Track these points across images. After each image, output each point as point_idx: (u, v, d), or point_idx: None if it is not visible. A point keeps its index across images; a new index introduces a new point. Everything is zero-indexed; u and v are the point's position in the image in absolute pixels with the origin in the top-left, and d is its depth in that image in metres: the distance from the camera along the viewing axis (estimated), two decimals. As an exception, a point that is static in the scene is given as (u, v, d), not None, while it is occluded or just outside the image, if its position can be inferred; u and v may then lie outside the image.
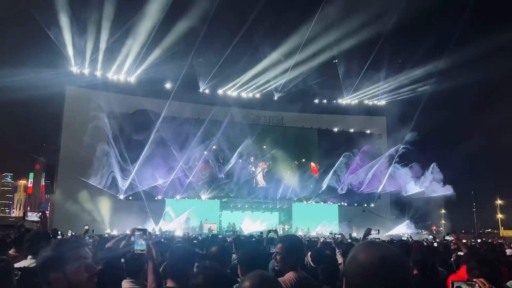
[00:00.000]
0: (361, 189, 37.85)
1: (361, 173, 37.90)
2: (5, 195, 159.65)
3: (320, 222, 35.69)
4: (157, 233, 26.43)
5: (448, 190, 34.53)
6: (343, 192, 37.64)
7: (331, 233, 15.06)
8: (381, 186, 37.32)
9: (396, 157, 37.56)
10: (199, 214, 33.04)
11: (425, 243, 9.28)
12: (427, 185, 35.32)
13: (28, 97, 26.96)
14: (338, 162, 37.75)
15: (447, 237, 11.00)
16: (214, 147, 35.46)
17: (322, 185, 37.72)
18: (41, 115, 29.88)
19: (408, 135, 35.46)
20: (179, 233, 27.65)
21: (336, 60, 35.32)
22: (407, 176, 36.45)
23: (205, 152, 34.69)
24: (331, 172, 37.52)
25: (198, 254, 4.04)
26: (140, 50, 31.20)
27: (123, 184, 31.38)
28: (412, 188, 35.94)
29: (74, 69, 31.18)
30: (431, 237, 21.16)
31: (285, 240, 3.92)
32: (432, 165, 35.45)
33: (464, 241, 9.03)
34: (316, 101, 38.60)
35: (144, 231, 3.34)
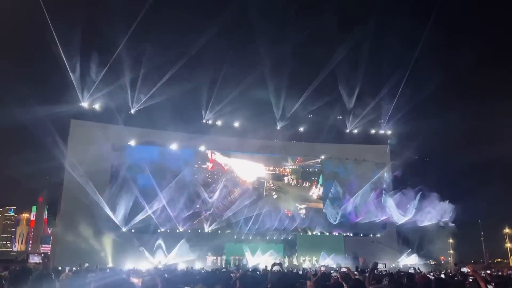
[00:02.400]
0: (358, 219, 37.54)
1: (360, 202, 37.72)
2: (7, 228, 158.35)
3: (326, 253, 35.17)
4: (160, 266, 26.05)
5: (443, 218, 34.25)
6: (336, 223, 37.30)
7: (337, 268, 14.82)
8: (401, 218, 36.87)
9: (395, 186, 37.55)
10: (202, 246, 32.64)
11: (432, 277, 9.05)
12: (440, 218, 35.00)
13: (32, 130, 27.21)
14: (339, 192, 37.66)
15: (463, 269, 10.80)
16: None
17: (326, 216, 37.47)
18: (45, 148, 29.93)
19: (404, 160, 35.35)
20: (181, 266, 27.31)
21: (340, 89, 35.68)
22: (404, 205, 36.15)
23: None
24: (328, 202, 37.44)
25: None
26: (143, 83, 31.74)
27: (125, 217, 31.14)
28: (425, 220, 35.59)
29: (79, 102, 31.50)
30: (416, 268, 20.63)
31: (273, 277, 3.95)
32: (418, 194, 35.34)
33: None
34: (319, 130, 38.64)
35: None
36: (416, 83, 34.18)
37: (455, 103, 31.07)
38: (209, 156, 36.64)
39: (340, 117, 37.90)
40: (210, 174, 36.24)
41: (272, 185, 37.97)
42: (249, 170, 37.50)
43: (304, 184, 38.90)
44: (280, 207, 36.93)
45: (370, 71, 34.92)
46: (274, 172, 38.41)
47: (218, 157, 36.89)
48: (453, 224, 34.62)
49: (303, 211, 37.84)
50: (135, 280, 3.20)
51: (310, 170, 39.35)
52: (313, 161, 39.40)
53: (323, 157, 39.35)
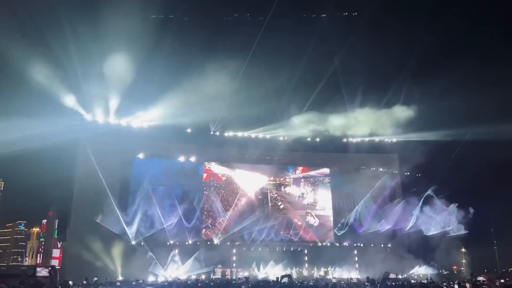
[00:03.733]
0: (362, 229, 37.18)
1: (365, 212, 37.50)
2: (18, 243, 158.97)
3: (336, 264, 34.89)
4: (169, 279, 26.01)
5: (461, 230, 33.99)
6: (342, 233, 37.07)
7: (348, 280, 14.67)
8: (408, 226, 36.41)
9: (404, 194, 37.32)
10: (212, 258, 32.51)
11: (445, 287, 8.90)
12: (450, 225, 34.63)
13: (42, 145, 27.43)
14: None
15: (479, 278, 10.68)
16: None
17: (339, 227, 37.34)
18: (54, 162, 30.17)
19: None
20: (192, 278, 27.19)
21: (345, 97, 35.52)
22: (429, 216, 35.73)
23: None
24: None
25: None
26: (151, 95, 31.95)
27: (135, 230, 31.19)
28: (434, 228, 35.17)
29: (87, 116, 31.76)
30: (429, 278, 20.32)
31: None
32: (427, 202, 35.00)
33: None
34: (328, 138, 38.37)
35: None
36: (423, 86, 33.60)
37: (466, 103, 30.18)
38: (203, 166, 36.35)
39: (345, 124, 37.44)
40: (206, 186, 35.96)
41: (276, 195, 37.76)
42: (250, 180, 37.29)
43: (308, 194, 38.59)
44: (287, 217, 36.82)
45: (375, 76, 34.66)
46: (275, 182, 38.18)
47: (214, 167, 36.67)
48: (465, 231, 34.14)
49: (309, 221, 37.56)
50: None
51: (315, 180, 39.12)
52: (317, 171, 39.19)
53: (328, 167, 39.20)
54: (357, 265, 35.81)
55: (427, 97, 33.27)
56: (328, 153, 38.45)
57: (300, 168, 38.97)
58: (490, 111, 30.79)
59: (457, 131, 33.52)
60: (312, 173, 39.12)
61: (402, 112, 35.58)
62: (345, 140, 38.30)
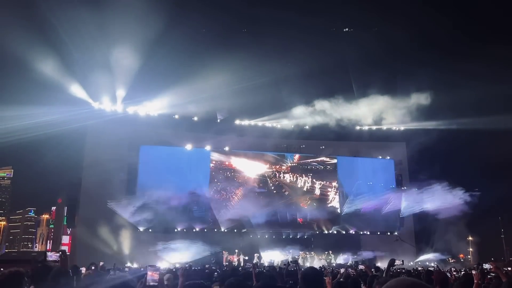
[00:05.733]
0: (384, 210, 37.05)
1: (380, 200, 37.37)
2: (28, 229, 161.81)
3: (342, 251, 34.99)
4: (176, 265, 26.28)
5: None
6: (347, 218, 36.93)
7: (352, 265, 14.70)
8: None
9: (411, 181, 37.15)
10: (218, 244, 32.77)
11: (449, 274, 8.92)
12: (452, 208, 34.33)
13: (50, 133, 27.69)
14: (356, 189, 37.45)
15: (485, 265, 10.67)
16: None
17: (341, 212, 37.33)
18: (63, 150, 30.47)
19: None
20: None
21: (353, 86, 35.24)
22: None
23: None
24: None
25: None
26: (158, 84, 32.02)
27: (142, 217, 31.48)
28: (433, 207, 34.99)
29: (95, 104, 31.95)
30: (435, 265, 20.31)
31: (304, 273, 4.08)
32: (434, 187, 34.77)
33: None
34: (334, 128, 38.23)
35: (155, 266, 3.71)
36: (428, 73, 33.17)
37: (472, 87, 29.69)
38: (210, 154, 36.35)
39: (350, 112, 37.14)
40: (213, 173, 35.94)
41: (277, 182, 37.65)
42: (255, 168, 37.23)
43: (312, 181, 38.42)
44: (292, 204, 36.88)
45: (380, 62, 34.33)
46: (279, 170, 38.03)
47: (221, 155, 36.46)
48: (465, 212, 33.88)
49: (315, 208, 37.58)
50: (149, 273, 3.62)
51: (319, 167, 39.02)
52: (321, 158, 39.02)
53: (333, 155, 39.06)
54: (363, 253, 35.88)
55: (437, 84, 32.99)
56: (333, 141, 38.27)
57: (304, 155, 38.77)
58: (504, 100, 30.45)
59: (466, 120, 33.21)
60: (316, 160, 38.99)
61: (411, 100, 35.33)
62: (350, 127, 38.05)
